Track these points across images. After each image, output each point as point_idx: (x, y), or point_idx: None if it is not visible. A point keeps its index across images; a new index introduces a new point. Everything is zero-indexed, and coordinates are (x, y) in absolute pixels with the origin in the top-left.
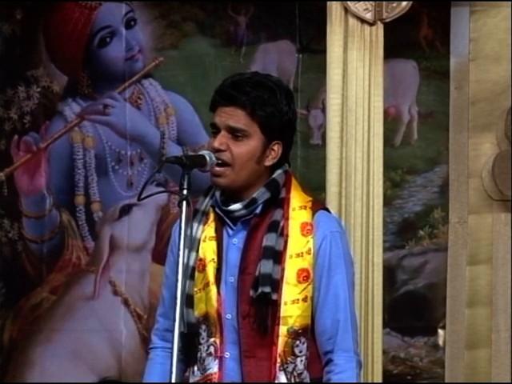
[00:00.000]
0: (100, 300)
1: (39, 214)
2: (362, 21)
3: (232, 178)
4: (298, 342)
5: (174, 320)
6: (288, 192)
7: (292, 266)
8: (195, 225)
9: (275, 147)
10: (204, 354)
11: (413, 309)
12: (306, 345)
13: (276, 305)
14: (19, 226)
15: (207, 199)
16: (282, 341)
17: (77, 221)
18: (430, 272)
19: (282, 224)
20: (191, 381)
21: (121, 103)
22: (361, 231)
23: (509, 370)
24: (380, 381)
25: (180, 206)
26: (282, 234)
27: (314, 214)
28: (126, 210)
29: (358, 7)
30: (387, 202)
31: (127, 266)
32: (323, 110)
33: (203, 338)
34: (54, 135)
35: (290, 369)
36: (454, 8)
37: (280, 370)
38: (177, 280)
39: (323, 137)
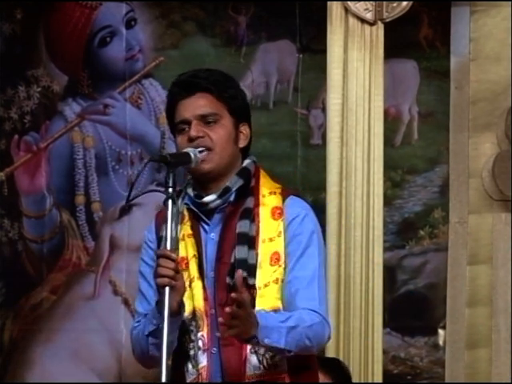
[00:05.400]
0: (100, 300)
1: (39, 213)
2: (363, 21)
3: (216, 162)
4: None
5: (163, 320)
6: (257, 181)
7: (265, 251)
8: (172, 225)
9: (243, 128)
10: (196, 350)
11: (413, 309)
12: None
13: (253, 289)
14: (19, 226)
15: (179, 200)
16: None
17: (77, 221)
18: (430, 272)
19: (253, 211)
20: (188, 379)
21: (121, 103)
22: (361, 231)
23: (509, 369)
24: (380, 381)
25: (166, 204)
26: (254, 221)
27: (284, 199)
28: (126, 210)
29: (358, 7)
30: (387, 201)
31: (127, 266)
32: (323, 109)
33: (194, 335)
34: (54, 135)
35: (261, 351)
36: (454, 8)
37: (251, 353)
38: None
39: (323, 137)
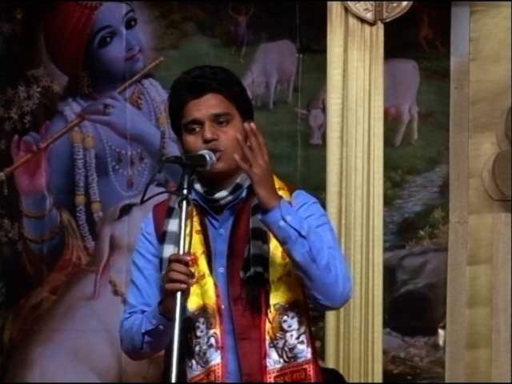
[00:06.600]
0: (100, 300)
1: (39, 213)
2: (363, 21)
3: (229, 162)
4: (285, 317)
5: (175, 320)
6: None
7: (277, 245)
8: (175, 221)
9: None
10: (205, 347)
11: (413, 309)
12: (296, 319)
13: (267, 283)
14: (19, 226)
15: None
16: (270, 318)
17: (77, 221)
18: (430, 272)
19: None
20: (189, 375)
21: (121, 103)
22: (361, 231)
23: (509, 369)
24: (380, 381)
25: (180, 205)
26: None
27: (291, 193)
28: (126, 210)
29: (358, 7)
30: (387, 202)
31: (127, 266)
32: (323, 109)
33: (202, 331)
34: (54, 135)
35: (280, 344)
36: (454, 8)
37: (270, 347)
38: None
39: (323, 137)
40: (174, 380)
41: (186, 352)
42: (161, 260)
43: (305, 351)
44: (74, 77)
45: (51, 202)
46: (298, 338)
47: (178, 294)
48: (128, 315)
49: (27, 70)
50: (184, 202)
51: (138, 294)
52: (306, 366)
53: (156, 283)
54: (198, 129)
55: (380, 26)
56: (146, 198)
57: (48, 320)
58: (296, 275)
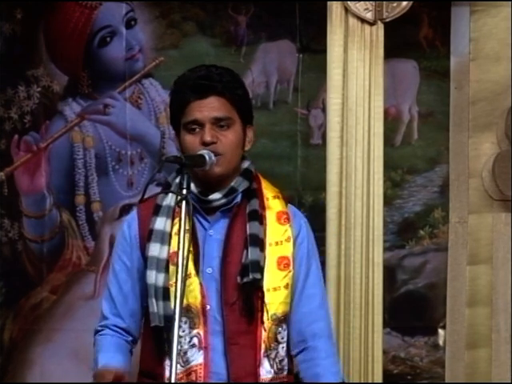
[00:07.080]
0: (100, 300)
1: (39, 213)
2: (363, 20)
3: (226, 167)
4: (280, 329)
5: (174, 319)
6: (259, 183)
7: (272, 254)
8: (162, 219)
9: (248, 131)
10: (186, 346)
11: (413, 309)
12: (286, 332)
13: (262, 291)
14: (19, 226)
15: (170, 194)
16: (266, 327)
17: (77, 221)
18: (430, 272)
19: (260, 213)
20: (168, 374)
21: (121, 103)
22: (361, 231)
23: (509, 369)
24: (380, 381)
25: (179, 205)
26: (262, 223)
27: (286, 204)
28: (126, 210)
29: (358, 7)
30: (387, 201)
31: None
32: (323, 109)
33: (184, 331)
34: (54, 135)
35: (272, 355)
36: (455, 8)
37: (264, 357)
38: (177, 279)
39: (323, 136)
40: (173, 380)
41: (166, 351)
42: (146, 258)
43: (288, 364)
44: (74, 77)
45: (51, 201)
46: (287, 350)
47: (178, 295)
48: (100, 328)
49: (27, 69)
50: (184, 202)
51: (111, 303)
52: (290, 378)
53: (130, 294)
54: (197, 129)
55: (380, 26)
56: (145, 197)
57: (48, 320)
58: (291, 288)
